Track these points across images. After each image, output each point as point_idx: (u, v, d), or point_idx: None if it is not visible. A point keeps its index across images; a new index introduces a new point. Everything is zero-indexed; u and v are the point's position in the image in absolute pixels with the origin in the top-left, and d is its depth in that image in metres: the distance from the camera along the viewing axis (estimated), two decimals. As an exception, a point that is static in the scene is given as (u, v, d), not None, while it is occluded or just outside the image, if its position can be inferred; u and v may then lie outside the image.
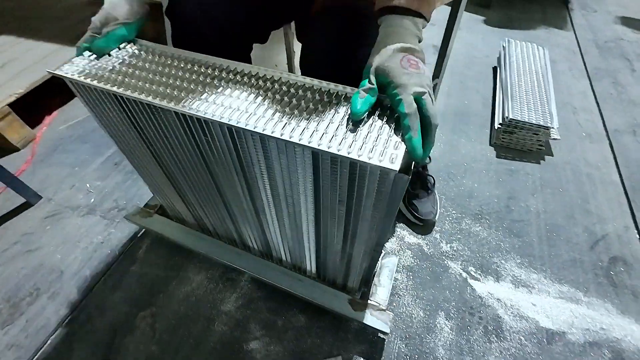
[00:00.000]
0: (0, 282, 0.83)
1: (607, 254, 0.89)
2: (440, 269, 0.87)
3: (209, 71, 0.48)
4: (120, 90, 0.45)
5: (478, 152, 1.16)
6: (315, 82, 0.46)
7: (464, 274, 0.85)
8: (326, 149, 0.38)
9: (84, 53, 0.51)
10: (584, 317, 0.78)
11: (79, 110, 1.29)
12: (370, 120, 0.41)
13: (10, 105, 1.10)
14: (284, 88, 0.45)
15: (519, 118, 1.09)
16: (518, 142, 1.15)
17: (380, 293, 0.74)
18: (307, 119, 0.41)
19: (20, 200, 0.98)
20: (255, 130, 0.40)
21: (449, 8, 1.01)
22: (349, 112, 0.40)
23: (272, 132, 0.39)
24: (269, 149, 0.44)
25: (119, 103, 0.50)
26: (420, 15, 0.43)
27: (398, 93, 0.39)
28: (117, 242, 0.90)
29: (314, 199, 0.49)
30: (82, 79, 0.47)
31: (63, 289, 0.82)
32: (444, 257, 0.89)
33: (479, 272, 0.86)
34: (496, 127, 1.16)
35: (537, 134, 1.11)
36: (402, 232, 0.94)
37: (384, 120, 0.41)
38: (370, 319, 0.69)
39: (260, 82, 0.47)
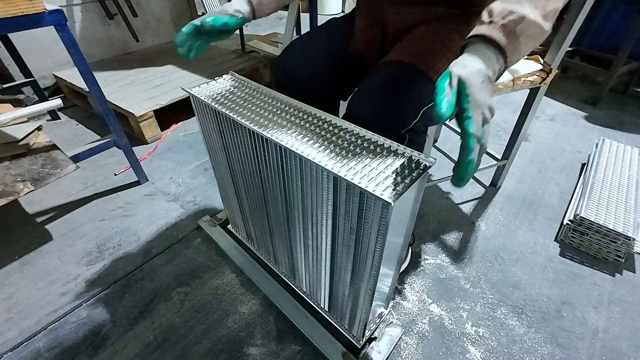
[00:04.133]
0: (99, 232, 1.09)
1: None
2: (457, 349, 0.81)
3: (282, 106, 0.64)
4: (216, 105, 0.64)
5: (539, 245, 1.07)
6: (364, 132, 0.55)
7: (483, 364, 0.78)
8: (342, 175, 0.47)
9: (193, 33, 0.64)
10: None
11: (195, 124, 1.66)
12: (395, 150, 0.50)
13: (154, 111, 1.50)
14: (336, 130, 0.56)
15: (592, 219, 0.99)
16: (591, 246, 1.02)
17: (375, 358, 0.75)
18: (343, 155, 0.50)
19: (135, 178, 1.28)
20: (296, 151, 0.52)
21: (528, 91, 1.04)
22: (433, 112, 0.39)
23: (307, 155, 0.50)
24: (304, 171, 0.55)
25: (215, 115, 0.69)
26: (504, 54, 0.44)
27: (470, 109, 0.39)
28: (184, 227, 1.10)
29: (332, 221, 0.57)
30: (197, 94, 0.68)
31: (135, 251, 1.03)
32: (465, 339, 0.83)
33: (501, 369, 0.77)
34: (565, 223, 1.06)
35: (615, 242, 0.98)
36: (426, 298, 0.91)
37: (404, 154, 0.50)
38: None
39: (317, 123, 0.58)
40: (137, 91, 1.61)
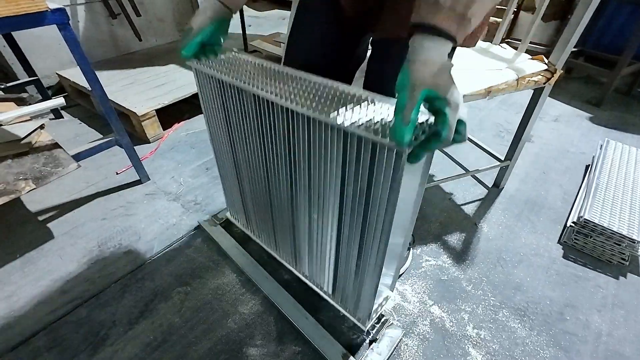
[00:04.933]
0: (100, 231, 1.09)
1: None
2: (458, 351, 0.80)
3: (288, 76, 0.61)
4: (219, 74, 0.64)
5: (542, 247, 1.06)
6: (375, 96, 0.53)
7: (484, 367, 0.77)
8: (352, 130, 0.47)
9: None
10: None
11: (197, 123, 1.66)
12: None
13: (156, 110, 1.50)
14: (343, 95, 0.54)
15: (596, 221, 0.98)
16: (595, 248, 1.01)
17: (375, 359, 0.74)
18: (352, 115, 0.49)
19: (136, 177, 1.28)
20: (304, 112, 0.52)
21: (532, 91, 1.03)
22: (392, 138, 0.39)
23: (317, 115, 0.50)
24: (313, 134, 0.55)
25: (218, 86, 0.69)
26: (455, 40, 0.39)
27: (447, 113, 0.37)
28: (184, 227, 1.10)
29: (341, 187, 0.57)
30: (199, 66, 0.69)
31: (135, 250, 1.03)
32: (466, 341, 0.82)
33: (503, 372, 0.76)
34: (568, 225, 1.05)
35: (619, 245, 0.97)
36: (427, 299, 0.91)
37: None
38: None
39: (324, 90, 0.56)
40: (139, 90, 1.62)
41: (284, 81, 0.59)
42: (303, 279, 0.87)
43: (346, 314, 0.79)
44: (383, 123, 0.47)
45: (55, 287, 0.92)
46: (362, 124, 0.47)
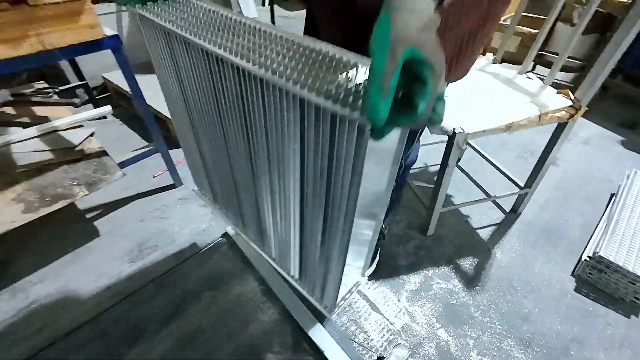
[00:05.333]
0: (140, 232, 1.20)
1: None
2: (460, 376, 0.85)
3: (246, 27, 0.52)
4: (163, 22, 0.56)
5: (554, 278, 1.08)
6: (330, 48, 0.44)
7: (484, 393, 0.82)
8: (309, 98, 0.39)
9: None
10: None
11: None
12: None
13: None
14: (307, 52, 0.45)
15: (611, 258, 0.99)
16: (608, 284, 1.02)
17: None
18: (312, 78, 0.40)
19: (170, 182, 1.39)
20: (256, 72, 0.44)
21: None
22: (364, 111, 0.32)
23: (269, 77, 0.42)
24: (267, 98, 0.48)
25: (164, 34, 0.59)
26: None
27: (429, 81, 0.30)
28: (214, 233, 1.20)
29: (300, 161, 0.51)
30: (144, 12, 0.59)
31: (169, 252, 1.13)
32: (469, 366, 0.87)
33: (503, 400, 0.81)
34: (583, 259, 1.06)
35: (633, 284, 0.97)
36: (435, 322, 0.96)
37: None
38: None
39: (284, 44, 0.47)
40: (175, 96, 1.72)
41: (238, 33, 0.50)
42: (271, 262, 0.83)
43: (313, 301, 0.74)
44: (348, 87, 0.38)
45: (100, 283, 1.04)
46: (323, 89, 0.38)
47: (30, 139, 1.23)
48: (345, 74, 0.40)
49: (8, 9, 0.80)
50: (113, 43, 0.98)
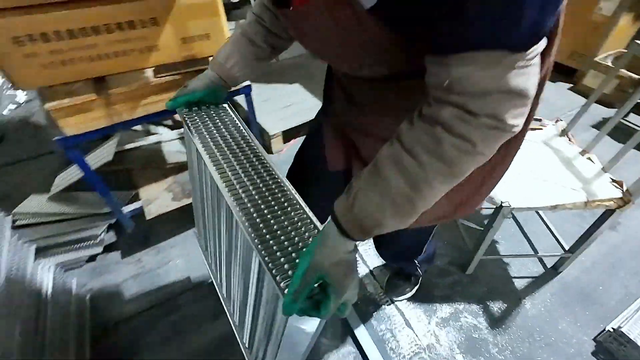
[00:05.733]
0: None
1: None
2: (467, 394, 1.08)
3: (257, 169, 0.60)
4: (195, 139, 0.63)
5: (575, 338, 1.21)
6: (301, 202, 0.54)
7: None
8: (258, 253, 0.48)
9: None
10: None
11: (309, 143, 2.07)
12: None
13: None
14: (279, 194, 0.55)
15: (632, 337, 1.10)
16: (627, 358, 1.14)
17: None
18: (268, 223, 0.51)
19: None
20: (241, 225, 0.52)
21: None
22: (282, 306, 0.42)
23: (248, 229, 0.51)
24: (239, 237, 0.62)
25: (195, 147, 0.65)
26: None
27: (330, 297, 0.42)
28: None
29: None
30: (188, 123, 0.66)
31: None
32: (476, 389, 1.09)
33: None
34: (607, 329, 1.18)
35: (649, 364, 1.08)
36: (456, 348, 1.18)
37: None
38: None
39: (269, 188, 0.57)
40: (271, 109, 2.08)
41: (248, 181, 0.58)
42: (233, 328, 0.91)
43: None
44: (285, 268, 0.46)
45: (172, 274, 1.41)
46: (272, 257, 0.47)
47: (174, 139, 1.69)
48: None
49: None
50: (247, 90, 1.33)
